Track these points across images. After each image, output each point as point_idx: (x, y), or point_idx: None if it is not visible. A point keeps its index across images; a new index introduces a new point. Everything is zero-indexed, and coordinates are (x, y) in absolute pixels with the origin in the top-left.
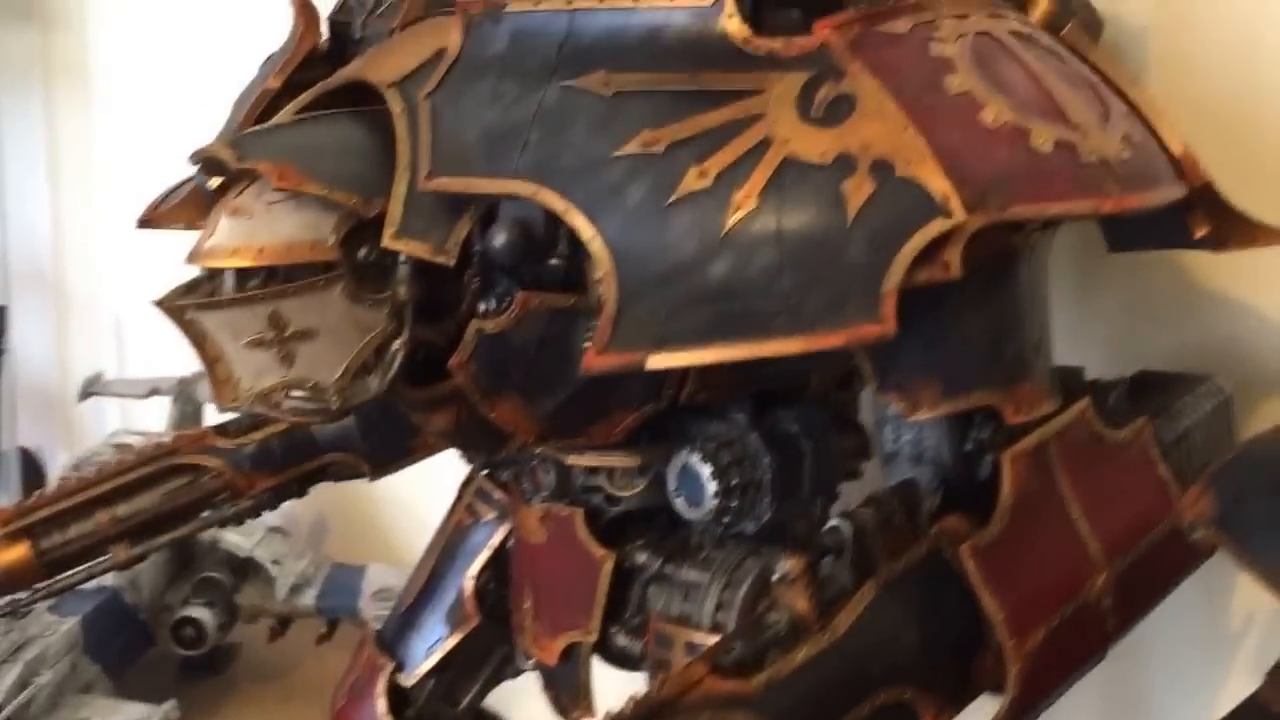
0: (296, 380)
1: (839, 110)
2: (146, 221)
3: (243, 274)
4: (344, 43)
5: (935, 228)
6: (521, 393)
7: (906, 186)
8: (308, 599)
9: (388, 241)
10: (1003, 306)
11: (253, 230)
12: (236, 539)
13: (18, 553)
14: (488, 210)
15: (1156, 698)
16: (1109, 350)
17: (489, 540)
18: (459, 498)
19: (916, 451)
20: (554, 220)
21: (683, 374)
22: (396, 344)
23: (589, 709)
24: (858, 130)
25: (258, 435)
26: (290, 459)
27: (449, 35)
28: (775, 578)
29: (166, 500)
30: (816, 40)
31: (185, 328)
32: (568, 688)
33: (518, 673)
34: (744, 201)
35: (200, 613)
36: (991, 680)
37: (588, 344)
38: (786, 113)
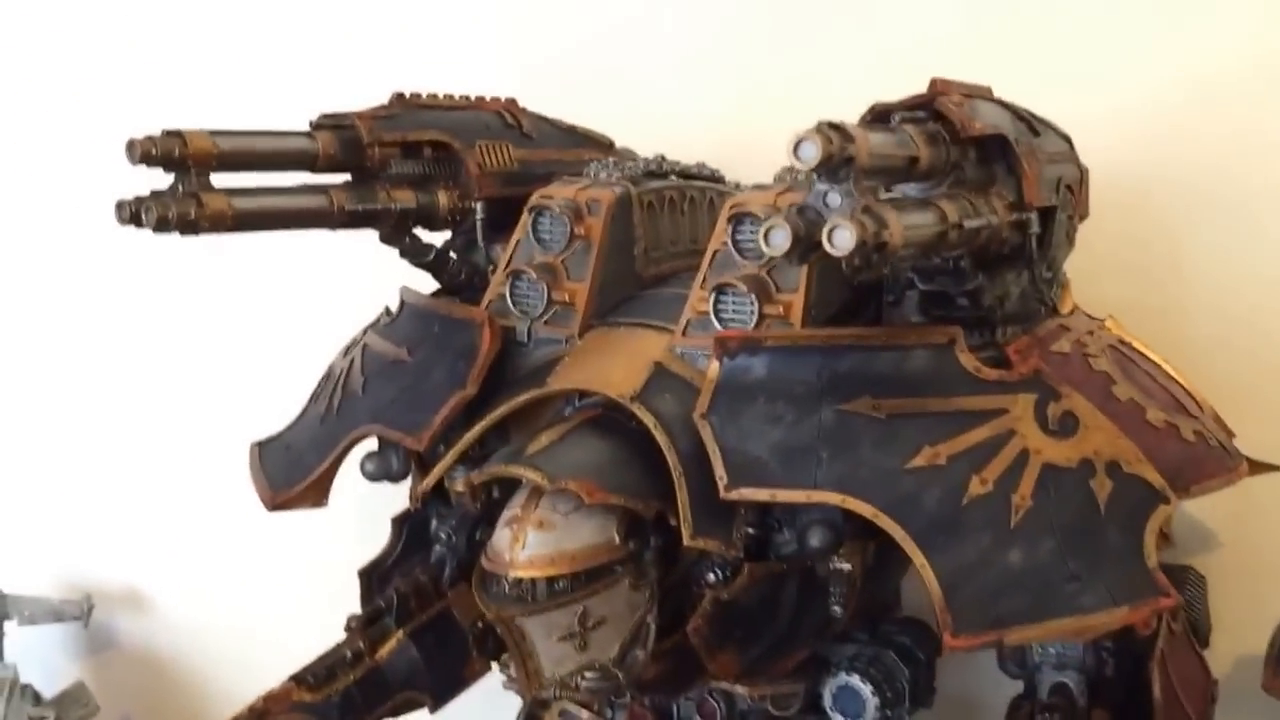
0: (588, 663)
1: (1068, 424)
2: (279, 505)
3: (552, 580)
4: (506, 343)
5: (1164, 512)
6: (739, 644)
7: (1135, 482)
8: None
9: (688, 541)
10: None
11: (559, 540)
12: None
13: None
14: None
15: None
16: None
17: None
18: None
19: (1060, 662)
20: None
21: (848, 615)
22: (650, 618)
23: None
24: (1089, 439)
25: (338, 684)
26: (370, 703)
27: (652, 348)
28: None
29: None
30: (1030, 367)
31: (509, 630)
32: None
33: None
34: (1021, 503)
35: None
36: None
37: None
38: (1031, 428)
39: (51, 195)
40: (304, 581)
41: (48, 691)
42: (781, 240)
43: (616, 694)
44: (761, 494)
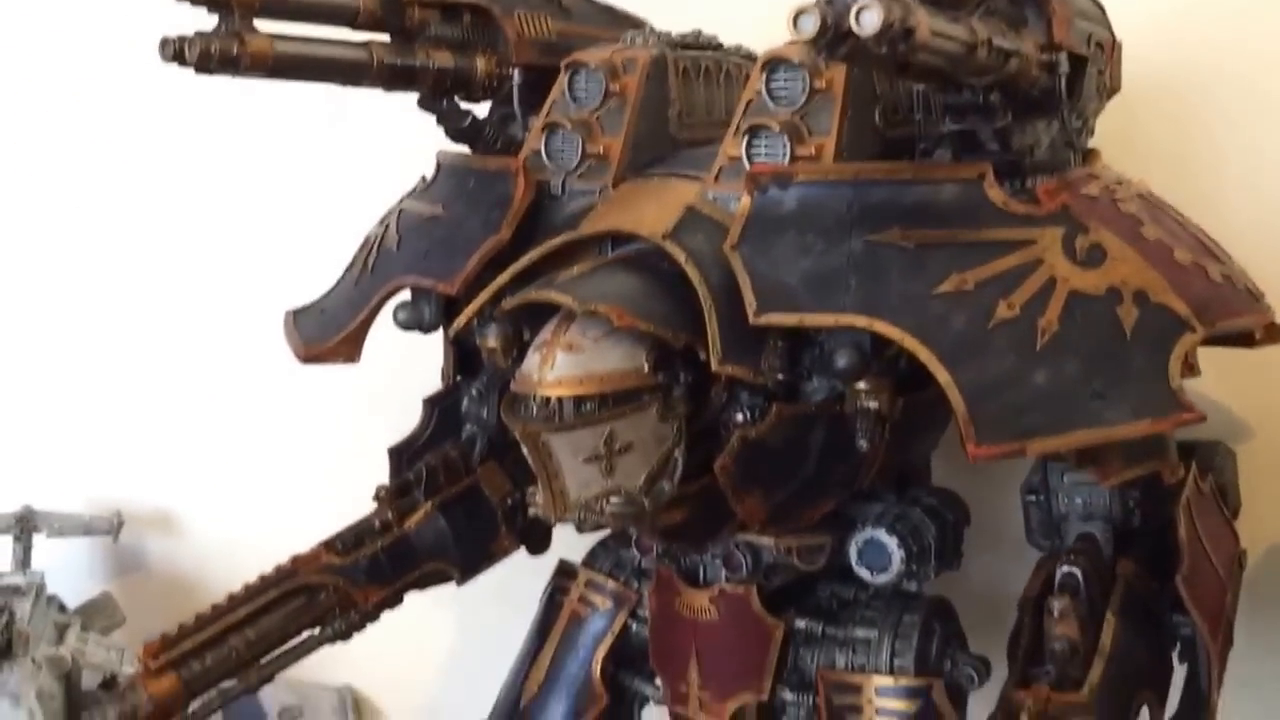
0: (614, 489)
1: (1096, 255)
2: (312, 357)
3: (579, 400)
4: (540, 196)
5: (1190, 340)
6: (765, 487)
7: (1161, 310)
8: None
9: (716, 368)
10: None
11: (587, 362)
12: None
13: (167, 684)
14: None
15: None
16: None
17: (610, 626)
18: (561, 593)
19: (1088, 512)
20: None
21: (874, 465)
22: (677, 453)
23: None
24: (1116, 270)
25: (366, 550)
26: (398, 570)
27: (685, 194)
28: (1053, 614)
29: (289, 621)
30: (1059, 203)
31: (536, 449)
32: None
33: None
34: (1048, 326)
35: None
36: None
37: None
38: (1059, 258)
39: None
40: (333, 505)
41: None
42: (809, 26)
43: (638, 520)
44: (790, 319)
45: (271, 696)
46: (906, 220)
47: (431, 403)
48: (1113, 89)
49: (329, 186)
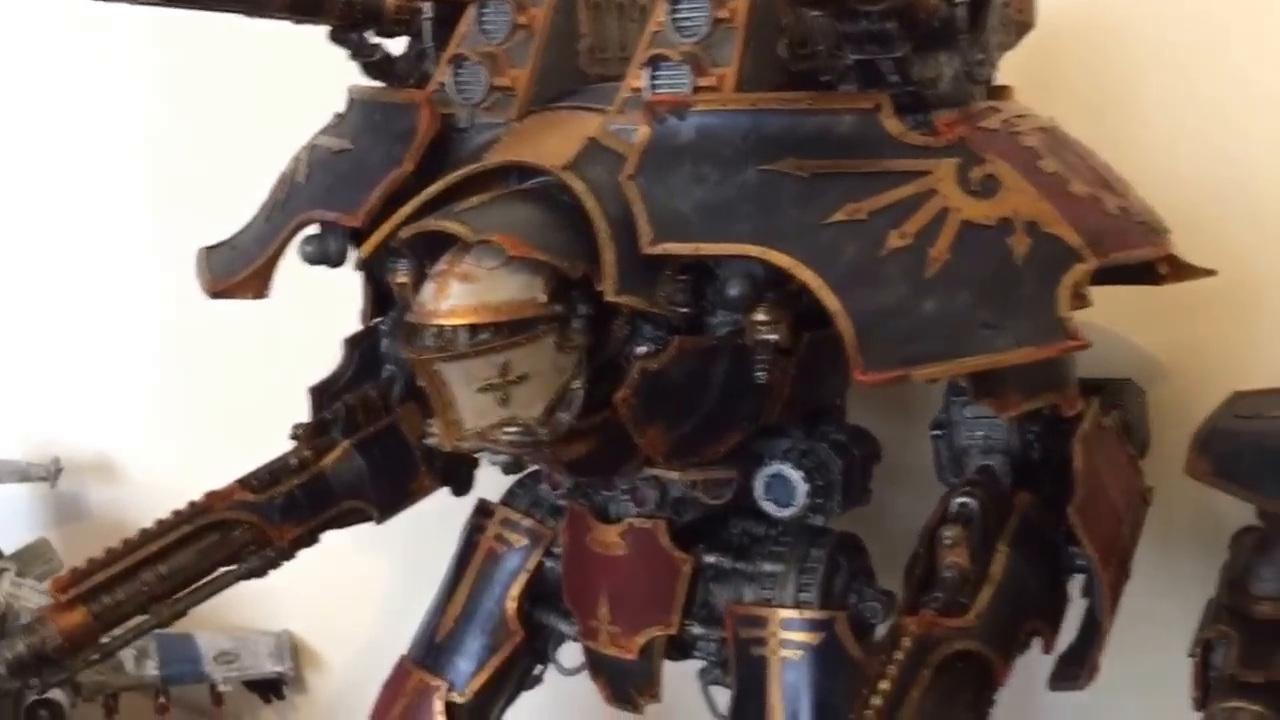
0: (510, 419)
1: (989, 186)
2: (220, 292)
3: (474, 329)
4: (447, 129)
5: (1081, 270)
6: (667, 420)
7: (1052, 240)
8: (150, 670)
9: (610, 296)
10: None
11: (481, 292)
12: None
13: (77, 618)
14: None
15: None
16: None
17: (524, 564)
18: (478, 532)
19: (988, 445)
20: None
21: (778, 399)
22: (577, 384)
23: (656, 695)
24: (1008, 201)
25: (282, 487)
26: (314, 508)
27: (587, 126)
28: (944, 543)
29: (202, 558)
30: (956, 134)
31: (430, 377)
32: (639, 679)
33: (535, 683)
34: (939, 255)
35: (55, 694)
36: None
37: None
38: (952, 188)
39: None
40: (279, 450)
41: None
42: None
43: (536, 449)
44: (684, 248)
45: (209, 641)
46: (802, 150)
47: (352, 342)
48: (1024, 24)
49: (261, 124)
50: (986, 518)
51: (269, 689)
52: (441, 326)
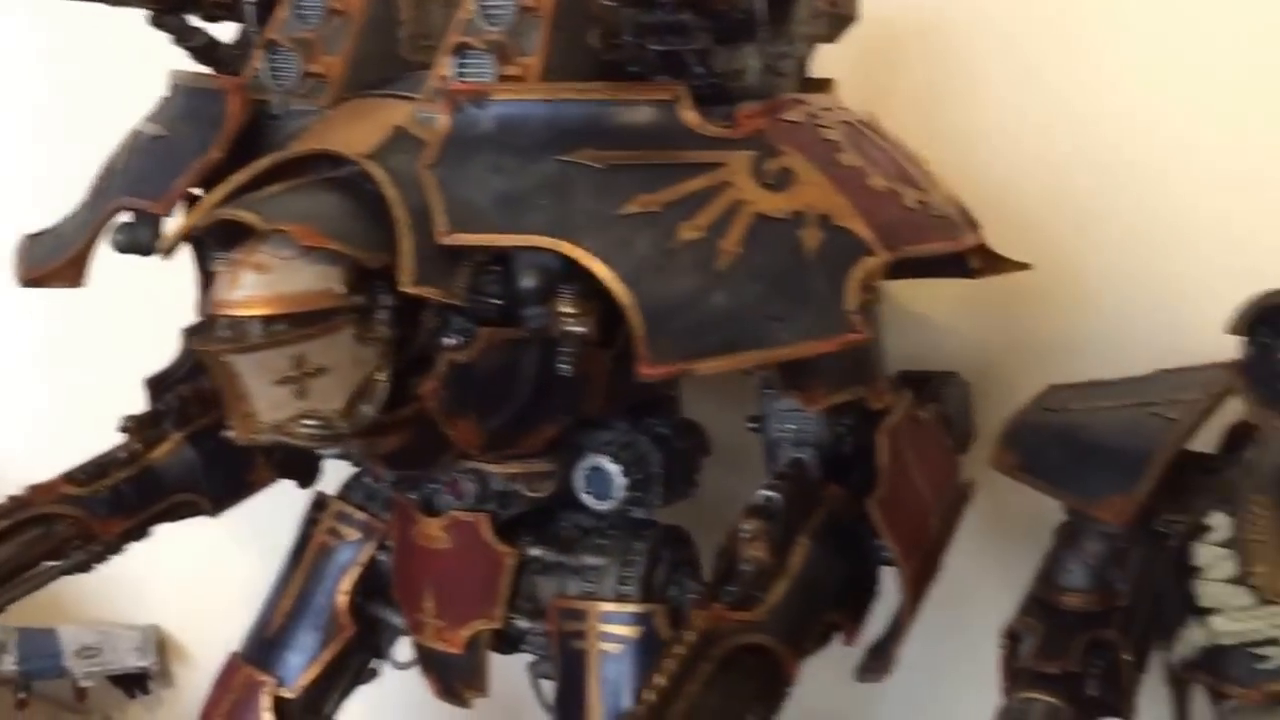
0: (308, 411)
1: (784, 179)
2: (32, 281)
3: (267, 320)
4: (261, 116)
5: (870, 263)
6: (478, 412)
7: (844, 234)
8: (8, 665)
9: (407, 287)
10: None
11: (276, 282)
12: None
13: None
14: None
15: None
16: None
17: (357, 557)
18: (312, 525)
19: (799, 438)
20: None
21: (596, 392)
22: (381, 376)
23: (483, 689)
24: (801, 194)
25: (108, 481)
26: (143, 501)
27: (397, 114)
28: (744, 536)
29: (23, 552)
30: (754, 126)
31: (218, 369)
32: (466, 672)
33: (371, 677)
34: (729, 248)
35: None
36: None
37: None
38: (746, 181)
39: None
40: None
41: None
42: None
43: (335, 442)
44: (478, 239)
45: (72, 636)
46: (600, 141)
47: (189, 333)
48: (842, 17)
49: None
50: (790, 511)
51: (134, 684)
52: (234, 317)
